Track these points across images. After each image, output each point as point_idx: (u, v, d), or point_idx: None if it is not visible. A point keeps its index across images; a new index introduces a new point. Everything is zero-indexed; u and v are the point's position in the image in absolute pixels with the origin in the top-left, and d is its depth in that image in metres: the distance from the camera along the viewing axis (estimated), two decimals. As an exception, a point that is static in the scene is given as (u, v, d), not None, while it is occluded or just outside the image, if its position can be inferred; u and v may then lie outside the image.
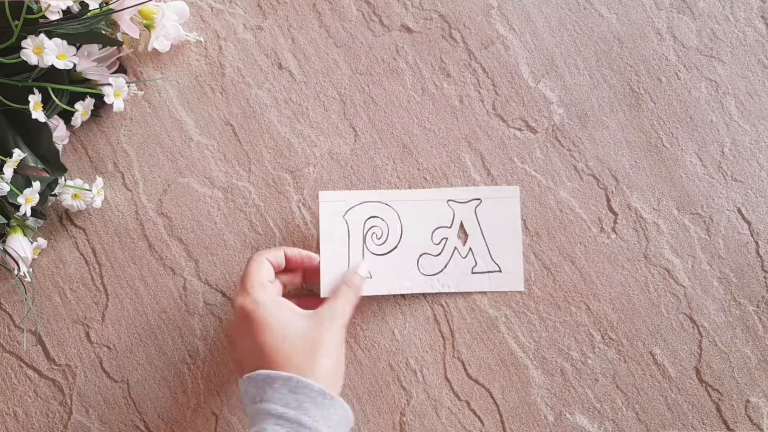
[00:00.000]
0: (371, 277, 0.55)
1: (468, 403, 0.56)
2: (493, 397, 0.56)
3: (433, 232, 0.56)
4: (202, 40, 0.61)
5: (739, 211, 0.57)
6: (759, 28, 0.59)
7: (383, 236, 0.57)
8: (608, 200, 0.58)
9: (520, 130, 0.59)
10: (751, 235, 0.57)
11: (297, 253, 0.53)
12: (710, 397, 0.55)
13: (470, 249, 0.56)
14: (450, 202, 0.56)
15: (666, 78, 0.59)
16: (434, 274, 0.56)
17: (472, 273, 0.56)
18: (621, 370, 0.56)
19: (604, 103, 0.59)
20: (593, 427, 0.55)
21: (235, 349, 0.48)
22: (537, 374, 0.56)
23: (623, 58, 0.60)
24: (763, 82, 0.59)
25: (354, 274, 0.53)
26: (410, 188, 0.58)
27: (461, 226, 0.56)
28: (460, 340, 0.57)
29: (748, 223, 0.57)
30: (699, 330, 0.56)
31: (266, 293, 0.47)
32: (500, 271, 0.56)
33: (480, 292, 0.57)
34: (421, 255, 0.56)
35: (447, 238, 0.56)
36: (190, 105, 0.60)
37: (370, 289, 0.55)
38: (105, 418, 0.57)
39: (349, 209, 0.56)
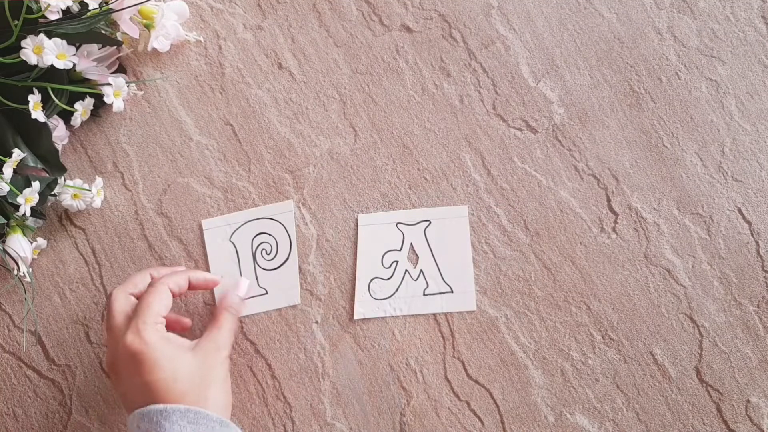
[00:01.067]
0: (249, 297, 0.56)
1: (468, 404, 0.56)
2: (493, 398, 0.56)
3: (384, 255, 0.56)
4: (202, 40, 0.61)
5: (740, 211, 0.57)
6: (759, 28, 0.59)
7: (273, 251, 0.58)
8: (608, 200, 0.58)
9: (520, 129, 0.59)
10: (752, 235, 0.57)
11: (202, 278, 0.53)
12: (711, 397, 0.55)
13: (421, 271, 0.56)
14: (399, 225, 0.57)
15: (666, 78, 0.59)
16: (385, 298, 0.56)
17: (424, 295, 0.56)
18: (621, 371, 0.56)
19: (604, 103, 0.59)
20: (593, 428, 0.55)
21: (120, 384, 0.47)
22: (537, 374, 0.56)
23: (623, 57, 0.59)
24: (763, 81, 0.59)
25: (232, 296, 0.53)
26: (410, 188, 0.58)
27: (411, 248, 0.56)
28: (460, 340, 0.57)
29: (749, 223, 0.57)
30: (699, 330, 0.56)
31: (156, 333, 0.46)
32: (452, 291, 0.56)
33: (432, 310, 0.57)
34: (372, 279, 0.56)
35: (397, 261, 0.56)
36: (190, 105, 0.60)
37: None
38: (105, 418, 0.57)
39: (234, 231, 0.58)
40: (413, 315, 0.57)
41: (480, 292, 0.57)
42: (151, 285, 0.49)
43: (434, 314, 0.57)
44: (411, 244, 0.56)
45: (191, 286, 0.52)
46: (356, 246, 0.57)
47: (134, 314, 0.47)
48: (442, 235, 0.56)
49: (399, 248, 0.56)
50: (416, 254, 0.56)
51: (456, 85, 0.60)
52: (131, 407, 0.46)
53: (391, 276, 0.56)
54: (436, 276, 0.56)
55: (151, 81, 0.60)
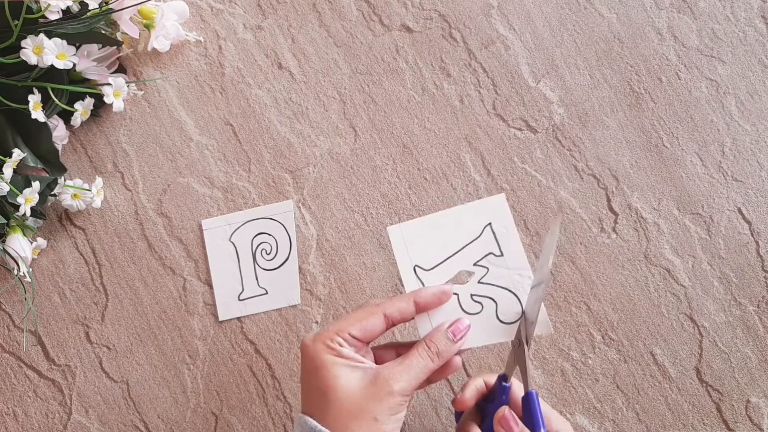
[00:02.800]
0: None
1: (468, 404, 0.56)
2: (493, 398, 0.56)
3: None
4: (202, 40, 0.61)
5: (740, 211, 0.57)
6: (759, 28, 0.59)
7: (273, 251, 0.58)
8: (609, 200, 0.58)
9: (520, 129, 0.59)
10: (752, 235, 0.57)
11: (430, 294, 0.44)
12: (710, 397, 0.55)
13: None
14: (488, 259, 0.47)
15: (666, 78, 0.59)
16: (469, 348, 0.45)
17: (499, 321, 0.46)
18: (621, 371, 0.56)
19: (604, 103, 0.59)
20: (593, 428, 0.55)
21: (301, 373, 0.44)
22: (537, 374, 0.56)
23: (623, 57, 0.59)
24: (763, 81, 0.59)
25: (440, 334, 0.43)
26: (410, 188, 0.58)
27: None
28: (460, 340, 0.57)
29: (749, 223, 0.57)
30: (699, 330, 0.56)
31: (326, 342, 0.42)
32: (526, 316, 0.46)
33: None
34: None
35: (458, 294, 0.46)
36: (190, 105, 0.60)
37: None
38: (105, 418, 0.57)
39: (234, 231, 0.58)
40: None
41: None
42: (371, 304, 0.43)
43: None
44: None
45: (420, 307, 0.44)
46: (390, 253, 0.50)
47: (341, 319, 0.43)
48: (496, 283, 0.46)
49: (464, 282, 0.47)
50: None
51: (456, 85, 0.60)
52: (301, 401, 0.44)
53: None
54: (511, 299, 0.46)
55: (151, 81, 0.60)
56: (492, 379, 0.47)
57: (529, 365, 0.44)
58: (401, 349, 0.46)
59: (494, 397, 0.46)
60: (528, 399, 0.43)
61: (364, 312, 0.42)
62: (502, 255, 0.46)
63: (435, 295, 0.44)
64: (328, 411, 0.40)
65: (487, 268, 0.46)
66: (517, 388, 0.46)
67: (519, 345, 0.44)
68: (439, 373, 0.44)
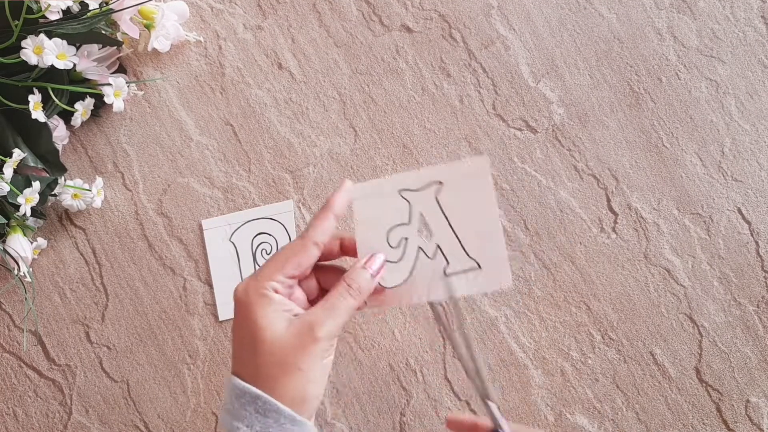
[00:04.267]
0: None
1: (468, 403, 0.56)
2: (493, 397, 0.56)
3: (389, 233, 0.45)
4: (202, 40, 0.61)
5: (739, 211, 0.57)
6: (759, 28, 0.59)
7: (273, 251, 0.58)
8: (608, 200, 0.58)
9: (520, 130, 0.59)
10: (751, 235, 0.57)
11: (339, 198, 0.43)
12: (710, 397, 0.55)
13: (438, 246, 0.44)
14: (403, 192, 0.45)
15: (666, 78, 0.59)
16: (398, 285, 0.45)
17: (446, 275, 0.44)
18: (621, 370, 0.56)
19: (604, 103, 0.59)
20: (593, 427, 0.55)
21: (232, 328, 0.43)
22: (537, 374, 0.56)
23: (623, 58, 0.60)
24: (763, 81, 0.59)
25: (358, 270, 0.43)
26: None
27: (422, 219, 0.45)
28: (460, 340, 0.57)
29: (748, 223, 0.57)
30: (699, 330, 0.56)
31: (260, 289, 0.41)
32: (479, 267, 0.43)
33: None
34: None
35: (407, 238, 0.45)
36: (190, 105, 0.60)
37: None
38: (105, 418, 0.57)
39: (234, 231, 0.57)
40: (415, 311, 0.57)
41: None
42: (303, 235, 0.42)
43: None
44: (421, 214, 0.45)
45: (338, 215, 0.43)
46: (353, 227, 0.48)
47: (272, 258, 0.42)
48: (460, 197, 0.44)
49: (407, 221, 0.45)
50: (428, 227, 0.45)
51: (456, 85, 0.60)
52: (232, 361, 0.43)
53: (402, 257, 0.44)
54: (457, 250, 0.44)
55: (151, 81, 0.60)
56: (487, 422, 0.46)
57: (499, 412, 0.43)
58: (324, 274, 0.45)
59: None
60: None
61: (295, 246, 0.41)
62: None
63: (344, 197, 0.43)
64: (255, 363, 0.39)
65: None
66: None
67: (486, 404, 0.43)
68: (372, 304, 0.44)
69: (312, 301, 0.44)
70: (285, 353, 0.39)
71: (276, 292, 0.41)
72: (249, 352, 0.40)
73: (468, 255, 0.44)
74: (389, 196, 0.45)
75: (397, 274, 0.44)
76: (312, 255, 0.41)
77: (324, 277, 0.45)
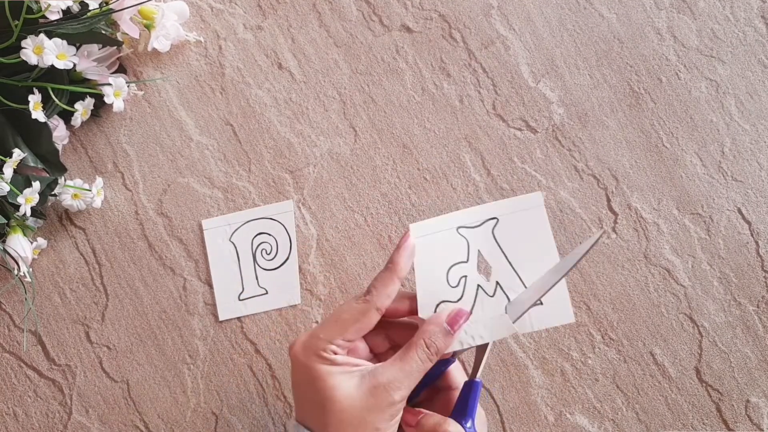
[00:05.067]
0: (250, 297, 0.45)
1: (468, 403, 0.56)
2: (493, 397, 0.56)
3: (448, 272, 0.44)
4: (202, 40, 0.61)
5: (740, 211, 0.57)
6: (759, 28, 0.59)
7: (273, 251, 0.58)
8: (608, 200, 0.58)
9: (520, 130, 0.59)
10: (752, 235, 0.57)
11: (403, 257, 0.42)
12: (710, 397, 0.55)
13: (497, 283, 0.44)
14: (460, 230, 0.45)
15: (666, 78, 0.59)
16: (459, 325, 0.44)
17: (507, 312, 0.43)
18: (621, 370, 0.56)
19: (604, 103, 0.59)
20: (593, 428, 0.55)
21: (292, 381, 0.43)
22: (537, 374, 0.56)
23: (623, 58, 0.60)
24: (763, 81, 0.59)
25: (433, 325, 0.41)
26: (410, 188, 0.58)
27: (480, 256, 0.44)
28: (460, 340, 0.57)
29: (749, 223, 0.57)
30: (699, 330, 0.56)
31: (320, 353, 0.40)
32: (541, 303, 0.43)
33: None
34: (438, 304, 0.44)
35: (466, 276, 0.44)
36: (190, 105, 0.60)
37: None
38: (105, 418, 0.57)
39: (234, 231, 0.58)
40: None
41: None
42: (350, 301, 0.42)
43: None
44: (479, 251, 0.44)
45: (402, 275, 0.42)
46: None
47: (329, 320, 0.41)
48: (516, 232, 0.44)
49: (465, 259, 0.44)
50: (487, 263, 0.44)
51: (456, 85, 0.60)
52: (295, 408, 0.42)
53: (461, 296, 0.44)
54: (518, 287, 0.43)
55: (151, 81, 0.60)
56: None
57: (486, 358, 0.43)
58: (391, 325, 0.44)
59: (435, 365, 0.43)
60: (471, 387, 0.42)
61: (354, 313, 0.40)
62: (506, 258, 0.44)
63: (405, 255, 0.42)
64: (328, 422, 0.39)
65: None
66: (458, 374, 0.45)
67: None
68: None
69: (378, 355, 0.43)
70: (361, 414, 0.38)
71: (335, 354, 0.40)
72: (319, 408, 0.39)
73: (540, 302, 0.43)
74: (447, 234, 0.44)
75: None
76: (373, 321, 0.40)
77: (392, 330, 0.44)
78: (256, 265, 0.58)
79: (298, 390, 0.41)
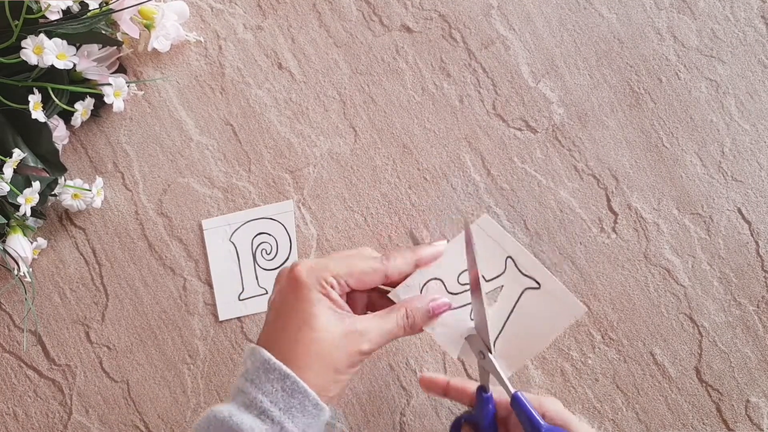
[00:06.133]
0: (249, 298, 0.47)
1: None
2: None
3: (463, 271, 0.46)
4: (202, 40, 0.61)
5: (740, 211, 0.57)
6: (759, 28, 0.59)
7: (273, 251, 0.58)
8: (608, 200, 0.58)
9: (520, 130, 0.59)
10: (752, 235, 0.57)
11: (430, 255, 0.45)
12: (710, 397, 0.55)
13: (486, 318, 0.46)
14: (509, 260, 0.46)
15: (666, 78, 0.59)
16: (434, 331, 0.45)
17: (469, 339, 0.46)
18: (621, 370, 0.56)
19: (604, 103, 0.59)
20: (593, 427, 0.55)
21: (275, 300, 0.43)
22: (537, 374, 0.56)
23: (623, 58, 0.60)
24: (763, 81, 0.59)
25: (418, 301, 0.44)
26: (410, 188, 0.58)
27: (498, 290, 0.46)
28: (460, 340, 0.57)
29: (749, 223, 0.57)
30: (699, 330, 0.56)
31: (317, 286, 0.41)
32: (500, 368, 0.46)
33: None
34: (427, 281, 0.46)
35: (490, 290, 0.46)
36: (190, 105, 0.60)
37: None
38: (105, 418, 0.57)
39: (234, 231, 0.58)
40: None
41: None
42: (366, 252, 0.44)
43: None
44: (502, 286, 0.46)
45: (419, 267, 0.44)
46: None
47: (335, 256, 0.43)
48: (538, 309, 0.45)
49: (488, 278, 0.46)
50: (497, 300, 0.46)
51: (456, 85, 0.60)
52: (263, 329, 0.43)
53: (456, 294, 0.46)
54: (492, 334, 0.46)
55: (151, 81, 0.60)
56: (470, 385, 0.47)
57: (502, 370, 0.44)
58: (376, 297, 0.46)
59: (479, 410, 0.46)
60: (516, 403, 0.43)
61: (366, 264, 0.42)
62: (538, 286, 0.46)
63: (433, 254, 0.45)
64: (294, 346, 0.40)
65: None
66: (499, 395, 0.46)
67: (483, 357, 0.44)
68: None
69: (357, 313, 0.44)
70: (328, 349, 0.40)
71: (333, 288, 0.41)
72: (291, 331, 0.40)
73: (493, 346, 0.45)
74: (497, 251, 0.46)
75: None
76: (377, 280, 0.43)
77: (376, 297, 0.46)
78: (256, 265, 0.58)
79: (279, 307, 0.42)
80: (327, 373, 0.40)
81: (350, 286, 0.42)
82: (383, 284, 0.45)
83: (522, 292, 0.46)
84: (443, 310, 0.44)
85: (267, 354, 0.40)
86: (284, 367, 0.40)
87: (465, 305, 0.45)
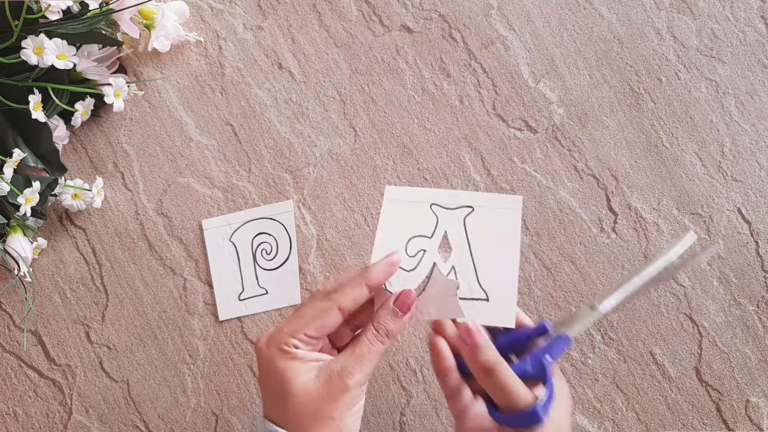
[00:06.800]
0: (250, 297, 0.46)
1: (468, 403, 0.56)
2: (493, 397, 0.56)
3: (409, 241, 0.45)
4: (202, 40, 0.61)
5: (739, 211, 0.57)
6: (759, 28, 0.59)
7: (273, 251, 0.58)
8: (608, 200, 0.58)
9: (520, 130, 0.59)
10: (751, 235, 0.57)
11: (380, 271, 0.42)
12: (710, 397, 0.55)
13: (453, 268, 0.45)
14: (434, 207, 0.45)
15: (666, 78, 0.59)
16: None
17: (456, 296, 0.45)
18: (621, 370, 0.56)
19: (604, 103, 0.59)
20: (593, 427, 0.55)
21: (258, 375, 0.44)
22: (537, 374, 0.56)
23: (623, 58, 0.60)
24: (763, 81, 0.59)
25: (388, 313, 0.42)
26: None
27: (445, 237, 0.45)
28: (460, 340, 0.57)
29: (748, 223, 0.57)
30: (699, 330, 0.56)
31: (282, 347, 0.41)
32: (487, 299, 0.44)
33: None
34: None
35: (425, 251, 0.45)
36: (190, 105, 0.60)
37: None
38: (105, 418, 0.57)
39: (234, 231, 0.58)
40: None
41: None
42: (316, 297, 0.42)
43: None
44: (446, 232, 0.45)
45: (373, 288, 0.42)
46: (375, 224, 0.47)
47: (291, 318, 0.42)
48: (487, 227, 0.45)
49: (430, 235, 0.45)
50: (450, 246, 0.45)
51: (456, 85, 0.60)
52: (263, 401, 0.43)
53: (415, 267, 0.45)
54: (470, 277, 0.44)
55: (151, 81, 0.60)
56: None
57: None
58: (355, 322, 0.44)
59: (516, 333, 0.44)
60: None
61: (317, 310, 0.41)
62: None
63: (384, 270, 0.42)
64: (287, 414, 0.40)
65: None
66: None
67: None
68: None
69: (341, 348, 0.43)
70: (316, 404, 0.39)
71: (296, 348, 0.40)
72: (279, 401, 0.40)
73: (480, 285, 0.45)
74: (420, 206, 0.45)
75: (406, 284, 0.44)
76: (334, 319, 0.41)
77: (356, 320, 0.45)
78: (256, 265, 0.58)
79: (262, 384, 0.42)
80: (326, 426, 0.39)
81: (313, 336, 0.41)
82: (353, 311, 0.43)
83: (464, 224, 0.45)
84: (409, 302, 0.42)
85: (270, 425, 0.40)
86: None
87: (415, 269, 0.44)
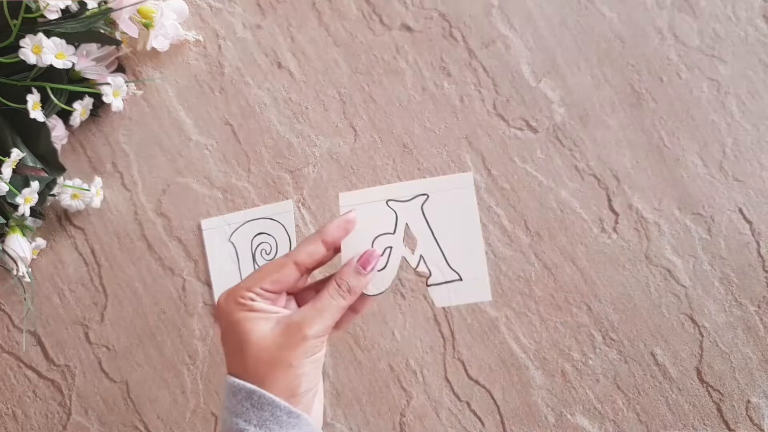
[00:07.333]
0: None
1: (468, 404, 0.56)
2: (493, 398, 0.56)
3: (374, 241, 0.46)
4: (201, 39, 0.61)
5: (741, 211, 0.57)
6: (761, 28, 0.59)
7: (272, 251, 0.58)
8: (609, 200, 0.58)
9: (520, 129, 0.59)
10: (753, 236, 0.57)
11: (335, 228, 0.44)
12: (711, 397, 0.55)
13: (421, 257, 0.46)
14: (390, 202, 0.47)
15: (667, 77, 0.59)
16: (381, 293, 0.46)
17: (428, 286, 0.46)
18: (622, 371, 0.56)
19: (605, 103, 0.59)
20: (594, 428, 0.55)
21: (221, 338, 0.45)
22: (538, 375, 0.56)
23: (624, 57, 0.59)
24: (764, 81, 0.59)
25: (350, 270, 0.44)
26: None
27: (407, 229, 0.47)
28: (460, 341, 0.56)
29: (750, 223, 0.57)
30: (700, 330, 0.56)
31: (240, 300, 0.42)
32: (460, 279, 0.46)
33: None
34: None
35: (391, 247, 0.46)
36: (189, 105, 0.60)
37: None
38: (104, 418, 0.57)
39: (234, 231, 0.57)
40: (414, 312, 0.57)
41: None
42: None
43: (435, 315, 0.57)
44: (407, 224, 0.46)
45: (329, 244, 0.43)
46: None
47: (252, 275, 0.43)
48: (444, 210, 0.46)
49: (392, 231, 0.47)
50: (414, 237, 0.46)
51: (456, 84, 0.59)
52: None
53: (385, 266, 0.46)
54: (440, 262, 0.46)
55: (150, 80, 0.60)
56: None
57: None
58: (320, 285, 0.45)
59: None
60: None
61: (274, 265, 0.42)
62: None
63: (339, 227, 0.44)
64: (246, 365, 0.41)
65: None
66: None
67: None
68: (351, 313, 0.45)
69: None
70: (273, 352, 0.41)
71: (253, 301, 0.42)
72: (238, 354, 0.41)
73: (450, 266, 0.46)
74: (377, 205, 0.47)
75: (379, 283, 0.46)
76: (290, 274, 0.42)
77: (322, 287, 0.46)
78: (256, 265, 0.58)
79: (224, 340, 0.43)
80: (284, 373, 0.40)
81: (271, 290, 0.42)
82: (312, 271, 0.44)
83: (423, 212, 0.46)
84: (373, 262, 0.44)
85: (230, 378, 0.41)
86: (248, 385, 0.40)
87: (385, 267, 0.46)
